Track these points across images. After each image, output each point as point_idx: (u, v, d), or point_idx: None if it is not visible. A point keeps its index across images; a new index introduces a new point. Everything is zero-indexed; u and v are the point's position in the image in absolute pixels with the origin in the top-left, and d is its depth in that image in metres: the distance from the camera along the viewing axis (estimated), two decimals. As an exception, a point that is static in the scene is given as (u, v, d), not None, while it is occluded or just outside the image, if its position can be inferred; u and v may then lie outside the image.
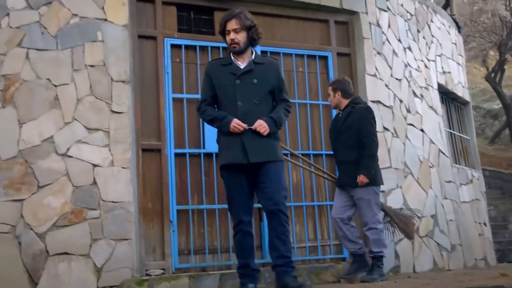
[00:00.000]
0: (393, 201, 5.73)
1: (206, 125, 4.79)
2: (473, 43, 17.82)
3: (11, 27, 4.49)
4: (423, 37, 7.18)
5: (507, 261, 10.00)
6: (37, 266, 4.20)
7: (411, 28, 6.90)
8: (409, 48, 6.76)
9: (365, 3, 6.13)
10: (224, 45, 4.17)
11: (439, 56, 7.57)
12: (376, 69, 6.05)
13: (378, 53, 6.13)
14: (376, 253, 4.73)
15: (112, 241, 4.39)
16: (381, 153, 5.70)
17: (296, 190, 5.43)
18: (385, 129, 5.96)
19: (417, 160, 6.31)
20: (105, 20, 4.73)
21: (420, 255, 5.98)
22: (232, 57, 3.82)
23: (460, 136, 8.25)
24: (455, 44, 8.32)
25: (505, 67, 17.97)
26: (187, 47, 5.21)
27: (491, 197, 11.96)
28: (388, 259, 5.23)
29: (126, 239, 4.43)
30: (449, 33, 8.13)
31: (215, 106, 3.86)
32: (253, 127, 3.63)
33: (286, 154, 4.94)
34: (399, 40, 6.58)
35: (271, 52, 5.40)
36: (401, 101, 6.32)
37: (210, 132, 4.72)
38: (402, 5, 6.81)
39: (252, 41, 3.81)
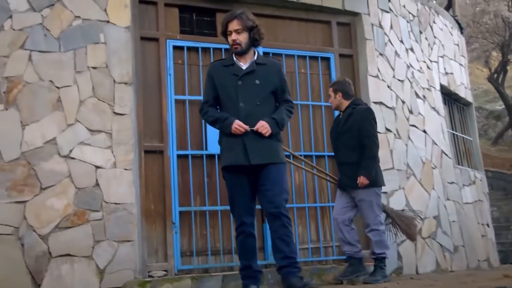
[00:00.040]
0: (396, 202, 5.73)
1: (208, 126, 4.79)
2: (475, 44, 17.81)
3: (14, 29, 4.50)
4: (426, 38, 7.17)
5: (510, 262, 9.98)
6: (40, 268, 4.21)
7: (413, 29, 6.89)
8: (412, 49, 6.75)
9: (367, 4, 6.13)
10: (227, 46, 4.18)
11: (441, 57, 7.56)
12: (379, 70, 6.05)
13: (380, 54, 6.13)
14: (379, 255, 4.73)
15: (114, 243, 4.40)
16: (383, 154, 5.71)
17: (298, 192, 5.43)
18: (388, 130, 5.96)
19: (419, 161, 6.31)
20: (108, 22, 4.74)
21: (423, 256, 5.97)
22: (234, 58, 3.81)
23: (463, 137, 8.24)
24: (458, 45, 8.31)
25: (508, 68, 17.94)
26: (189, 48, 5.22)
27: (494, 198, 11.94)
28: (391, 260, 5.23)
29: (128, 241, 4.43)
30: (451, 34, 8.12)
31: (218, 107, 3.86)
32: (254, 128, 3.63)
33: (287, 156, 4.94)
34: (401, 41, 6.58)
35: (273, 54, 5.40)
36: (403, 102, 6.31)
37: (213, 134, 4.72)
38: (404, 6, 6.81)
39: (254, 42, 3.80)
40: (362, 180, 4.59)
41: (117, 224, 4.43)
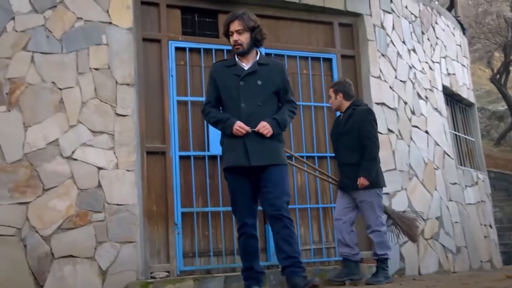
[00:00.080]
0: (398, 203, 5.72)
1: (210, 127, 4.79)
2: (478, 45, 17.78)
3: (16, 31, 4.51)
4: (428, 39, 7.17)
5: (513, 263, 9.96)
6: (42, 269, 4.21)
7: (415, 30, 6.89)
8: (414, 50, 6.75)
9: (369, 5, 6.13)
10: (229, 47, 4.18)
11: (443, 58, 7.55)
12: (381, 71, 6.05)
13: (383, 55, 6.13)
14: (381, 256, 4.71)
15: (117, 244, 4.40)
16: (386, 155, 5.71)
17: (300, 193, 5.42)
18: (390, 131, 5.95)
19: (422, 162, 6.30)
20: (110, 23, 4.75)
21: (425, 257, 5.96)
22: (237, 59, 3.81)
23: (465, 138, 8.23)
24: (460, 45, 8.31)
25: (510, 68, 17.88)
26: (191, 49, 5.23)
27: (496, 199, 11.90)
28: (393, 261, 5.22)
29: (131, 242, 4.44)
30: (453, 35, 8.11)
31: (220, 108, 3.86)
32: (256, 129, 3.62)
33: (289, 157, 4.93)
34: (404, 42, 6.57)
35: (275, 55, 5.40)
36: (405, 103, 6.31)
37: (215, 135, 4.73)
38: (406, 7, 6.81)
39: (256, 42, 3.79)
40: (362, 181, 4.58)
41: (120, 225, 4.43)
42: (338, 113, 5.16)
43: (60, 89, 4.53)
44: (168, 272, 4.67)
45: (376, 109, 5.79)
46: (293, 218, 3.75)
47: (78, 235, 4.32)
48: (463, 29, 8.72)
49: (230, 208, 3.92)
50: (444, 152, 6.84)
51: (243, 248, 3.74)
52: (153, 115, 4.94)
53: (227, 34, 3.81)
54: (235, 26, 3.73)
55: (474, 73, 15.70)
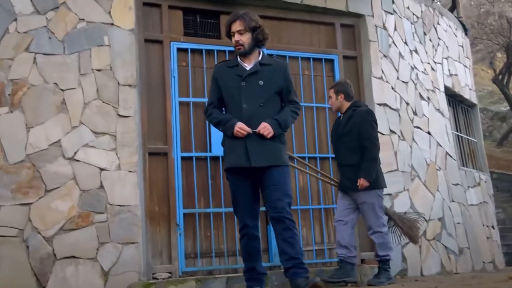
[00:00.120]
0: (400, 204, 5.72)
1: (212, 128, 4.80)
2: (480, 45, 17.76)
3: (18, 32, 4.52)
4: (430, 40, 7.16)
5: (515, 264, 9.94)
6: (44, 270, 4.22)
7: (417, 30, 6.88)
8: (416, 51, 6.74)
9: (371, 6, 6.13)
10: (230, 48, 4.19)
11: (445, 58, 7.55)
12: (383, 72, 6.04)
13: (385, 56, 6.13)
14: (383, 257, 4.70)
15: (119, 245, 4.40)
16: (388, 156, 5.71)
17: (302, 194, 5.42)
18: (392, 132, 5.95)
19: (424, 163, 6.30)
20: (112, 24, 4.76)
21: (428, 258, 5.96)
22: (239, 59, 3.81)
23: (468, 139, 8.22)
24: (462, 46, 8.30)
25: (513, 69, 17.89)
26: (193, 51, 5.23)
27: (499, 200, 11.87)
28: (395, 262, 5.22)
29: (133, 243, 4.44)
30: (455, 36, 8.10)
31: (223, 108, 3.86)
32: (256, 130, 3.61)
33: (290, 159, 4.93)
34: (406, 43, 6.57)
35: (277, 56, 5.39)
36: (407, 104, 6.30)
37: (217, 136, 4.73)
38: (408, 8, 6.80)
39: (258, 42, 3.78)
40: (362, 182, 4.57)
41: (122, 226, 4.43)
42: (339, 114, 5.16)
43: (62, 90, 4.53)
44: (170, 273, 4.67)
45: (378, 110, 5.79)
46: (295, 219, 3.74)
47: (80, 236, 4.33)
48: (465, 30, 8.71)
49: (232, 209, 3.92)
50: (446, 153, 6.83)
51: (245, 249, 3.74)
52: (155, 116, 4.94)
53: (229, 35, 3.81)
54: (236, 26, 3.73)
55: (476, 74, 15.69)
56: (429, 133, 6.55)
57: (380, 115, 5.79)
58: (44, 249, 4.24)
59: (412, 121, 6.30)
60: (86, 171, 4.45)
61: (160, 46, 5.09)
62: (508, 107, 18.18)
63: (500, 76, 17.58)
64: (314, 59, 5.75)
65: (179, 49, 5.15)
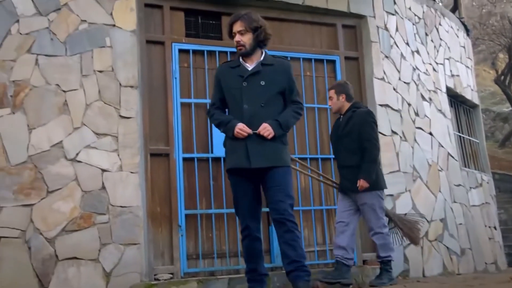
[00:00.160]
0: (402, 205, 5.71)
1: (214, 129, 4.80)
2: (482, 46, 17.77)
3: (20, 34, 4.53)
4: (431, 40, 7.16)
5: (517, 265, 9.92)
6: (46, 271, 4.22)
7: (419, 31, 6.88)
8: (417, 52, 6.74)
9: (373, 7, 6.13)
10: (232, 49, 4.18)
11: (447, 59, 7.54)
12: (384, 72, 6.04)
13: (386, 56, 6.12)
14: (384, 258, 4.70)
15: (121, 246, 4.41)
16: (389, 157, 5.71)
17: (304, 194, 5.42)
18: (394, 132, 5.94)
19: (426, 164, 6.29)
20: (114, 25, 4.76)
21: (430, 259, 5.95)
22: (241, 59, 3.80)
23: (469, 140, 8.21)
24: (464, 47, 8.29)
25: (515, 69, 17.88)
26: (195, 52, 5.23)
27: (501, 201, 11.86)
28: (397, 263, 5.21)
29: (134, 244, 4.44)
30: (457, 36, 8.10)
31: (225, 109, 3.85)
32: (257, 131, 3.60)
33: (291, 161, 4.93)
34: (407, 44, 6.56)
35: (278, 56, 5.40)
36: (409, 104, 6.30)
37: (218, 137, 4.73)
38: (410, 9, 6.80)
39: (259, 42, 3.77)
40: (362, 183, 4.55)
41: (123, 227, 4.44)
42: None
43: (64, 91, 4.54)
44: (172, 274, 4.68)
45: (380, 111, 5.79)
46: (297, 220, 3.74)
47: (82, 237, 4.33)
48: (467, 30, 8.70)
49: (233, 210, 3.92)
50: (448, 153, 6.82)
51: (247, 250, 3.73)
52: (157, 117, 4.94)
53: (231, 35, 3.81)
54: (237, 26, 3.72)
55: (478, 75, 15.67)
56: (431, 134, 6.54)
57: (382, 116, 5.79)
58: (46, 250, 4.25)
59: (414, 122, 6.30)
60: (88, 172, 4.45)
61: (161, 47, 5.09)
62: (510, 108, 18.19)
63: (502, 77, 17.58)
64: (316, 60, 5.75)
65: (180, 50, 5.16)
